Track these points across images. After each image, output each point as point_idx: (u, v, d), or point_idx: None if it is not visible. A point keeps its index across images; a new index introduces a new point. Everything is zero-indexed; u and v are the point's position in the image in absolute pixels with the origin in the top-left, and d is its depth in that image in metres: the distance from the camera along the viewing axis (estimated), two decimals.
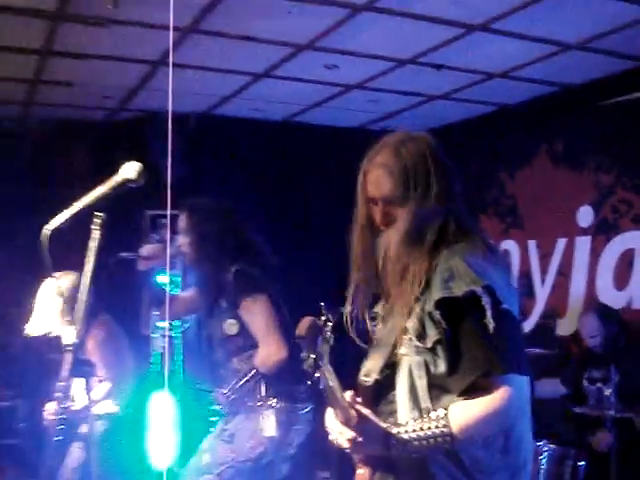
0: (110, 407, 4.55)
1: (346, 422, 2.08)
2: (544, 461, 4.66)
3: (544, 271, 6.59)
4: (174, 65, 5.63)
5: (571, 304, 6.26)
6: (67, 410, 4.22)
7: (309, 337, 1.99)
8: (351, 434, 2.07)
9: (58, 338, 4.44)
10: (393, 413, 2.13)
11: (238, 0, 4.49)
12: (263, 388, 3.74)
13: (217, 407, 3.95)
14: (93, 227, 2.20)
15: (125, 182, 2.22)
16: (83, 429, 4.46)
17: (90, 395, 2.16)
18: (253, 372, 3.73)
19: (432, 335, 2.03)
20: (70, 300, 4.34)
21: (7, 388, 6.43)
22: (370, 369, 2.23)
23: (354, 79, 6.13)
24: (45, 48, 5.25)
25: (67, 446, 4.57)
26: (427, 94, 6.58)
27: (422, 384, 2.08)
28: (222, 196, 7.13)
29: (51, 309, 4.43)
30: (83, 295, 2.15)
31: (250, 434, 3.75)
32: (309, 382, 2.02)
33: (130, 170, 2.22)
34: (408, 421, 2.06)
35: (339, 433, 2.11)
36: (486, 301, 1.96)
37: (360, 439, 2.07)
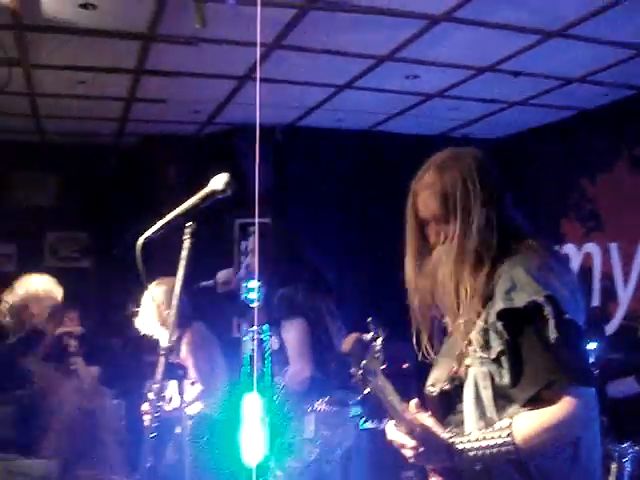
0: (202, 408, 4.75)
1: (408, 433, 2.07)
2: (628, 463, 4.61)
3: (626, 273, 6.51)
4: (261, 80, 5.83)
5: None
6: (161, 410, 4.47)
7: (355, 353, 2.04)
8: (413, 444, 2.07)
9: (156, 341, 4.67)
10: (460, 424, 2.14)
11: (320, 15, 4.63)
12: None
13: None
14: (184, 237, 2.32)
15: (214, 193, 2.34)
16: (177, 429, 4.69)
17: (183, 397, 2.26)
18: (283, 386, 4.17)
19: (495, 346, 2.03)
20: (164, 306, 4.59)
21: (109, 387, 6.75)
22: (436, 379, 2.25)
23: (434, 88, 6.22)
24: (138, 67, 5.52)
25: (164, 446, 4.79)
26: (506, 101, 6.61)
27: (487, 395, 2.08)
28: (308, 205, 7.36)
29: (149, 315, 4.66)
30: (175, 302, 2.28)
31: None
32: (359, 397, 2.07)
33: (219, 182, 2.35)
34: (472, 431, 2.06)
35: (401, 445, 2.11)
36: (548, 311, 1.95)
37: (422, 449, 2.06)
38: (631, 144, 6.55)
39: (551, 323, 1.94)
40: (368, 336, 2.11)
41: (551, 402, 1.95)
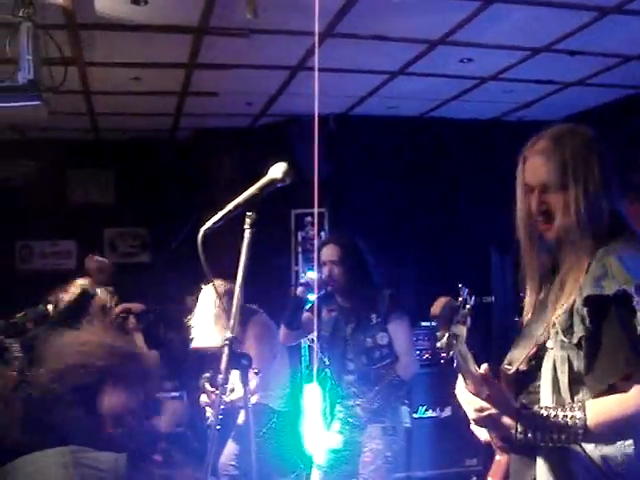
0: (260, 399, 4.77)
1: (477, 393, 2.05)
2: None
3: None
4: (312, 69, 5.81)
5: None
6: (225, 401, 4.51)
7: (443, 316, 2.00)
8: (480, 404, 2.04)
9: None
10: (534, 404, 2.10)
11: (370, 2, 4.59)
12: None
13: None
14: (245, 227, 2.32)
15: (272, 182, 2.33)
16: (239, 419, 4.72)
17: (247, 387, 2.24)
18: (396, 377, 4.27)
19: (578, 331, 2.00)
20: (220, 307, 4.66)
21: (170, 380, 6.84)
22: (514, 358, 2.22)
23: (489, 71, 6.11)
24: (190, 62, 5.54)
25: (227, 436, 4.82)
26: (562, 81, 6.46)
27: (564, 379, 2.05)
28: (363, 194, 7.32)
29: (205, 313, 4.72)
30: (237, 292, 2.26)
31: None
32: (442, 361, 2.03)
33: (277, 171, 2.34)
34: (543, 405, 2.04)
35: (468, 403, 2.09)
36: (637, 302, 1.91)
37: (490, 412, 2.03)
38: None
39: (639, 315, 1.91)
40: (458, 301, 2.06)
41: (625, 393, 1.92)
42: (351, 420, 4.31)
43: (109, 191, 8.23)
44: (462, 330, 1.99)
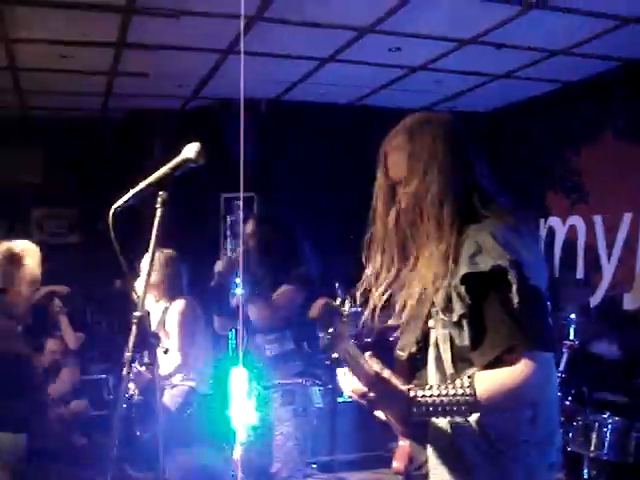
0: (183, 381, 4.80)
1: (367, 383, 2.07)
2: (608, 433, 4.66)
3: (610, 246, 6.54)
4: (240, 53, 5.82)
5: (638, 278, 6.22)
6: (138, 380, 4.52)
7: (322, 318, 2.02)
8: (369, 396, 2.07)
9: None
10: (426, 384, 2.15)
11: None
12: None
13: None
14: (156, 206, 2.33)
15: (185, 162, 2.35)
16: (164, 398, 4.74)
17: (156, 365, 2.26)
18: None
19: (458, 309, 2.04)
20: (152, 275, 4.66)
21: (98, 363, 6.82)
22: (405, 344, 2.27)
23: (417, 61, 6.21)
24: (119, 41, 5.50)
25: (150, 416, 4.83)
26: (490, 74, 6.61)
27: (447, 357, 2.11)
28: (292, 179, 7.37)
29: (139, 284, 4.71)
30: (146, 270, 2.29)
31: None
32: (326, 362, 2.05)
33: (190, 150, 2.36)
34: (432, 385, 2.07)
35: (353, 392, 2.11)
36: (512, 276, 1.96)
37: (375, 395, 2.06)
38: (615, 116, 6.57)
39: (514, 288, 1.96)
40: (336, 302, 2.10)
41: (512, 366, 1.97)
42: (266, 401, 4.33)
43: (37, 170, 8.09)
44: (343, 328, 2.01)
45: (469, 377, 2.01)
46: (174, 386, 4.77)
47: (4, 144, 7.94)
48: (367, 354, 2.11)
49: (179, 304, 4.86)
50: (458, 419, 2.07)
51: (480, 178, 2.21)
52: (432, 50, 5.92)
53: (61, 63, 5.94)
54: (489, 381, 1.99)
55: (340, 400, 6.28)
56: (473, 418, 2.06)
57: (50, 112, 7.74)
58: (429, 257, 2.12)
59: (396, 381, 2.10)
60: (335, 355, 2.04)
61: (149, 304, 4.76)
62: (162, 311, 4.90)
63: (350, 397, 2.14)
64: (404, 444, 2.33)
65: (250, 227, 4.40)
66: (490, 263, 1.99)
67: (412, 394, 2.05)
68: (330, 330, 2.00)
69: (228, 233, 7.68)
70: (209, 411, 5.13)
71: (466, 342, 2.06)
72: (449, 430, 2.10)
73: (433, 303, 2.12)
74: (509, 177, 7.80)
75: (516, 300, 1.95)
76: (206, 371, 5.12)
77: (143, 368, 4.43)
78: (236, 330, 6.94)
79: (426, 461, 2.19)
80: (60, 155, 8.03)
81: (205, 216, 7.65)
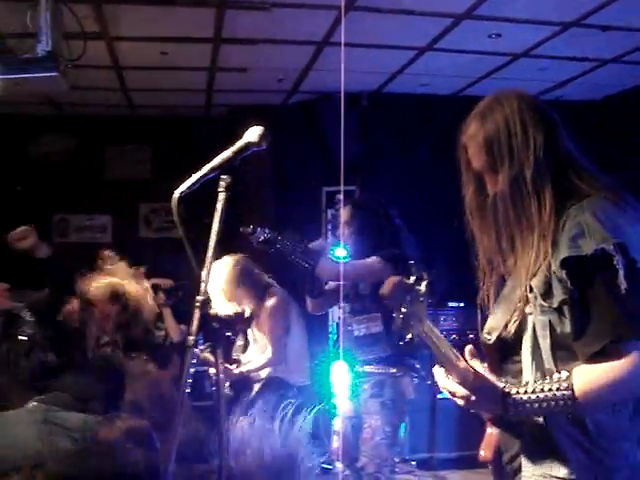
0: (280, 372, 4.80)
1: (460, 381, 1.98)
2: None
3: None
4: (337, 44, 5.79)
5: None
6: (235, 373, 4.56)
7: (394, 297, 1.96)
8: (464, 392, 1.98)
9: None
10: (517, 374, 2.06)
11: None
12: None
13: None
14: (219, 190, 2.31)
15: (248, 146, 2.32)
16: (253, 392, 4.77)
17: (219, 352, 2.23)
18: None
19: (558, 295, 1.92)
20: (232, 285, 4.70)
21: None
22: (493, 327, 2.15)
23: (519, 47, 6.01)
24: (216, 36, 5.57)
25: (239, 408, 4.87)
26: (597, 58, 6.31)
27: (546, 345, 1.98)
28: (393, 172, 7.28)
29: (216, 292, 4.74)
30: (209, 256, 2.25)
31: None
32: (400, 343, 1.97)
33: (253, 134, 2.33)
34: (528, 381, 1.95)
35: (451, 393, 2.02)
36: (618, 260, 1.83)
37: (474, 398, 1.97)
38: None
39: (621, 273, 1.82)
40: (410, 279, 2.00)
41: (616, 358, 1.84)
42: (358, 392, 4.28)
43: (146, 167, 8.32)
44: (420, 308, 1.93)
45: (567, 373, 1.87)
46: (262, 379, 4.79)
47: (114, 142, 8.22)
48: (468, 347, 2.03)
49: (272, 300, 4.87)
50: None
51: (570, 150, 2.09)
52: (534, 35, 5.71)
53: (162, 60, 6.07)
54: (589, 378, 1.86)
55: (440, 397, 6.16)
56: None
57: (156, 110, 7.94)
58: (530, 241, 2.01)
59: (490, 376, 2.00)
60: (409, 336, 1.95)
61: (239, 303, 4.79)
62: (256, 307, 4.92)
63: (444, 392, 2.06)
64: (492, 432, 2.25)
65: (346, 214, 4.37)
66: (593, 246, 1.86)
67: (507, 391, 1.94)
68: (403, 309, 1.93)
69: (329, 227, 7.67)
70: (305, 403, 5.12)
71: (567, 329, 1.93)
72: (545, 422, 1.99)
73: (531, 287, 2.00)
74: (624, 170, 7.49)
75: (623, 286, 1.82)
76: (302, 363, 5.11)
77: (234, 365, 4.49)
78: (337, 324, 6.98)
79: (518, 454, 2.11)
80: (167, 151, 8.22)
81: (307, 210, 7.66)
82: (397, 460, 4.69)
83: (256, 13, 5.08)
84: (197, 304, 2.21)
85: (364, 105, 7.41)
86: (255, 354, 4.92)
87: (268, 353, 4.74)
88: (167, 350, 6.46)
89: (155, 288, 5.93)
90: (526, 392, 1.90)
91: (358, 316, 4.21)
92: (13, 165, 7.85)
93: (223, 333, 2.38)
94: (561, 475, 1.97)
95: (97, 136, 8.12)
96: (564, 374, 1.87)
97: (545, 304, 1.95)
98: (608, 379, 1.84)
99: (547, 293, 1.95)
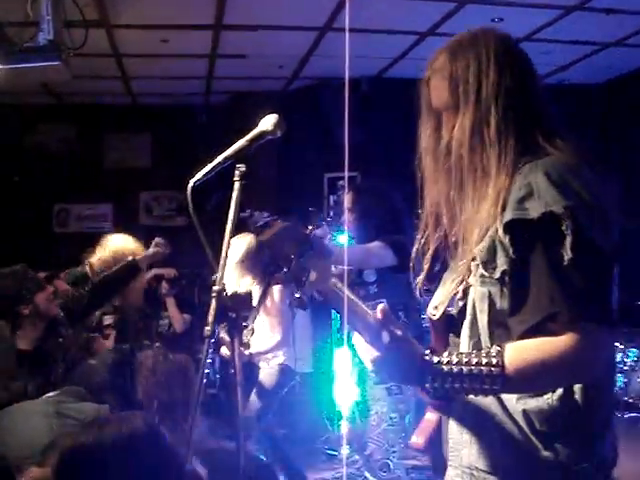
0: (286, 360, 4.80)
1: (372, 340, 1.72)
2: None
3: None
4: (341, 30, 5.76)
5: None
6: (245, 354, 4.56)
7: (279, 244, 1.78)
8: (375, 355, 1.72)
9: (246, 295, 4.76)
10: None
11: None
12: None
13: None
14: (235, 179, 2.29)
15: (263, 134, 2.29)
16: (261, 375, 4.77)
17: (236, 340, 2.20)
18: None
19: (500, 264, 1.67)
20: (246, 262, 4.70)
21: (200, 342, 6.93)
22: (440, 301, 1.90)
23: (521, 31, 5.97)
24: (217, 23, 5.52)
25: (249, 390, 4.87)
26: (600, 42, 6.29)
27: (483, 321, 1.75)
28: (396, 158, 7.26)
29: (230, 271, 4.74)
30: (226, 244, 2.23)
31: None
32: (297, 296, 1.76)
33: (268, 122, 2.30)
34: (453, 353, 1.69)
35: (365, 353, 1.75)
36: (567, 226, 1.58)
37: (386, 362, 1.72)
38: None
39: (568, 241, 1.58)
40: (306, 229, 1.88)
41: (554, 337, 1.60)
42: (364, 378, 4.27)
43: (145, 155, 8.29)
44: (316, 264, 1.75)
45: (498, 348, 1.64)
46: (271, 364, 4.78)
47: (115, 130, 8.19)
48: (380, 306, 1.74)
49: (275, 284, 4.85)
50: (490, 399, 1.72)
51: (542, 105, 1.84)
52: (536, 19, 5.69)
53: (161, 48, 6.04)
54: (521, 351, 1.62)
55: None
56: (512, 402, 1.72)
57: (156, 97, 7.90)
58: (483, 196, 1.77)
59: (413, 342, 1.74)
60: (297, 294, 1.77)
61: (248, 284, 4.78)
62: (262, 289, 4.91)
63: (363, 360, 1.78)
64: (431, 418, 2.01)
65: (349, 199, 4.35)
66: (541, 209, 1.60)
67: (427, 359, 1.69)
68: (294, 262, 1.75)
69: (331, 213, 7.64)
70: (311, 389, 5.13)
71: (505, 304, 1.69)
72: (476, 408, 1.77)
73: (474, 256, 1.76)
74: (625, 153, 7.47)
75: (567, 256, 1.57)
76: (307, 349, 5.11)
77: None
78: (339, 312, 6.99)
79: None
80: (167, 139, 8.19)
81: (309, 196, 7.64)
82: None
83: None
84: (213, 294, 2.20)
85: (365, 90, 7.38)
86: (261, 337, 4.91)
87: (276, 336, 4.73)
88: (170, 340, 6.48)
89: (158, 278, 5.93)
90: (449, 363, 1.65)
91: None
92: (11, 155, 7.81)
93: (240, 315, 2.38)
94: (489, 469, 1.76)
95: (96, 125, 8.09)
96: (495, 348, 1.64)
97: (486, 274, 1.71)
98: (544, 355, 1.60)
99: (489, 261, 1.70)
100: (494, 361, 1.61)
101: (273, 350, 4.75)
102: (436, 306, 1.91)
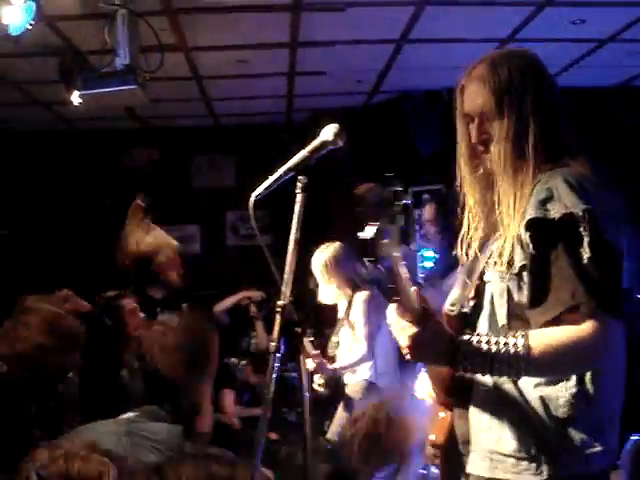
0: (365, 374, 4.75)
1: (412, 320, 1.84)
2: None
3: None
4: (417, 41, 5.71)
5: None
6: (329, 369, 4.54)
7: (369, 202, 1.85)
8: (413, 331, 1.82)
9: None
10: None
11: None
12: None
13: None
14: (297, 191, 2.29)
15: (324, 145, 2.30)
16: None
17: (303, 355, 2.19)
18: None
19: (519, 259, 1.83)
20: (330, 272, 4.69)
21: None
22: (457, 298, 2.06)
23: (605, 32, 5.77)
24: (292, 40, 5.55)
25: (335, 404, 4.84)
26: None
27: (502, 314, 1.89)
28: None
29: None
30: (290, 257, 2.22)
31: None
32: (368, 260, 1.92)
33: (328, 132, 2.30)
34: (481, 333, 1.86)
35: (401, 329, 1.86)
36: (585, 227, 1.74)
37: (422, 340, 1.83)
38: None
39: (585, 241, 1.73)
40: (388, 191, 1.99)
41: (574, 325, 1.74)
42: None
43: (230, 175, 8.38)
44: (394, 231, 1.81)
45: (523, 332, 1.77)
46: (356, 378, 4.74)
47: (199, 151, 8.32)
48: (413, 288, 1.85)
49: (363, 294, 4.80)
50: (507, 381, 1.86)
51: (564, 121, 1.98)
52: (620, 18, 5.47)
53: (239, 68, 6.09)
54: (545, 337, 1.76)
55: None
56: (529, 387, 1.85)
57: (239, 118, 7.99)
58: (513, 203, 1.89)
59: (440, 323, 1.89)
60: (373, 258, 1.88)
61: (331, 297, 4.78)
62: (347, 302, 4.87)
63: (398, 338, 1.89)
64: (445, 416, 2.14)
65: (429, 212, 4.30)
66: (562, 210, 1.76)
67: (458, 338, 1.82)
68: (380, 224, 1.83)
69: (417, 227, 7.55)
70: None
71: (524, 298, 1.83)
72: (495, 396, 1.90)
73: (491, 253, 1.91)
74: None
75: (587, 255, 1.73)
76: (391, 365, 5.02)
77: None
78: None
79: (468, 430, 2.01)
80: (251, 159, 8.27)
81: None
82: None
83: (331, 14, 5.03)
84: (278, 309, 2.18)
85: (446, 101, 7.28)
86: (345, 351, 4.87)
87: (360, 350, 4.67)
88: (255, 356, 6.54)
89: (247, 302, 6.01)
90: (479, 341, 1.79)
91: None
92: (102, 179, 8.02)
93: (305, 330, 2.35)
94: (507, 452, 1.88)
95: (182, 146, 8.22)
96: (520, 332, 1.78)
97: (504, 269, 1.86)
98: (567, 340, 1.73)
99: (508, 258, 1.86)
100: (520, 342, 1.75)
101: (357, 364, 4.69)
102: (453, 303, 2.06)
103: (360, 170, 7.50)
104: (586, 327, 1.72)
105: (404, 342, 1.85)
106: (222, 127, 8.25)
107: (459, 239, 2.12)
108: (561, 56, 6.34)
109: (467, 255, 2.10)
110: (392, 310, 1.90)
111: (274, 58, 5.96)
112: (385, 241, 1.80)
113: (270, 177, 2.33)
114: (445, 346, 1.83)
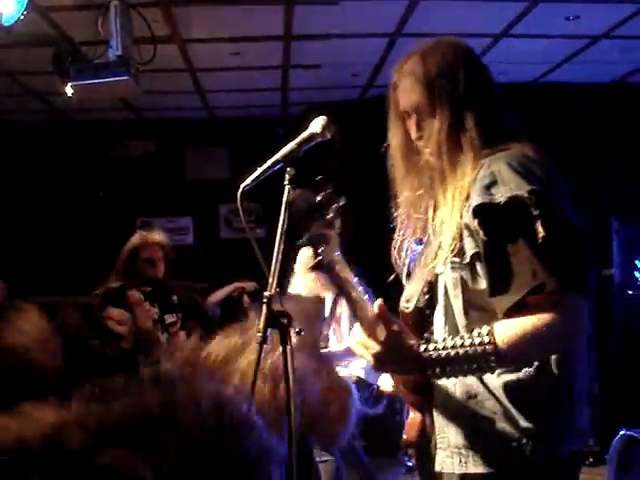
0: (357, 370, 4.75)
1: (372, 335, 1.82)
2: None
3: None
4: (411, 35, 5.70)
5: None
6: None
7: (297, 209, 1.88)
8: (377, 348, 1.81)
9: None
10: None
11: None
12: None
13: None
14: (284, 183, 2.29)
15: (312, 137, 2.30)
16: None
17: (289, 348, 2.17)
18: None
19: (469, 248, 1.81)
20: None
21: None
22: (412, 294, 2.03)
23: (599, 28, 5.76)
24: (286, 33, 5.54)
25: None
26: None
27: (458, 305, 1.87)
28: None
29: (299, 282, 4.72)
30: (276, 249, 2.22)
31: None
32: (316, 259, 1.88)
33: (316, 125, 2.30)
34: (445, 337, 1.82)
35: (364, 347, 1.85)
36: (534, 208, 1.72)
37: (388, 355, 1.81)
38: None
39: (538, 221, 1.72)
40: (319, 195, 1.97)
41: (538, 308, 1.72)
42: None
43: (224, 167, 8.36)
44: (330, 235, 1.84)
45: (488, 327, 1.74)
46: (343, 373, 4.73)
47: (193, 143, 8.31)
48: (377, 302, 1.84)
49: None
50: (472, 379, 1.85)
51: (502, 106, 2.02)
52: (615, 14, 5.46)
53: (233, 60, 6.07)
54: (510, 328, 1.73)
55: None
56: (491, 378, 1.84)
57: (234, 110, 7.98)
58: (455, 195, 1.90)
59: (408, 335, 1.85)
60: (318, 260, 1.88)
61: (317, 290, 4.76)
62: (333, 299, 4.86)
63: (362, 355, 1.88)
64: (415, 416, 2.15)
65: None
66: (507, 194, 1.76)
67: (422, 349, 1.79)
68: (312, 229, 1.88)
69: None
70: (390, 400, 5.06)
71: (481, 286, 1.82)
72: (458, 390, 1.90)
73: (440, 245, 1.90)
74: None
75: (541, 235, 1.71)
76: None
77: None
78: None
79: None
80: (246, 152, 8.25)
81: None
82: None
83: (325, 8, 5.03)
84: (264, 300, 2.18)
85: None
86: (331, 346, 4.87)
87: (344, 345, 4.67)
88: None
89: (240, 291, 6.00)
90: (445, 348, 1.76)
91: None
92: (95, 171, 8.01)
93: (291, 321, 2.35)
94: (475, 445, 1.89)
95: (176, 139, 8.21)
96: (485, 329, 1.74)
97: (456, 260, 1.85)
98: (532, 328, 1.71)
99: (458, 248, 1.85)
100: (486, 340, 1.72)
101: (344, 357, 4.69)
102: (407, 299, 2.03)
103: (355, 164, 7.51)
104: (550, 310, 1.70)
105: (369, 359, 1.85)
106: (216, 119, 8.23)
107: (392, 245, 2.14)
108: (555, 52, 6.35)
109: (399, 261, 2.12)
110: (357, 329, 1.90)
111: (268, 51, 5.95)
112: (323, 248, 1.85)
113: (258, 168, 2.33)
114: (412, 361, 1.81)
